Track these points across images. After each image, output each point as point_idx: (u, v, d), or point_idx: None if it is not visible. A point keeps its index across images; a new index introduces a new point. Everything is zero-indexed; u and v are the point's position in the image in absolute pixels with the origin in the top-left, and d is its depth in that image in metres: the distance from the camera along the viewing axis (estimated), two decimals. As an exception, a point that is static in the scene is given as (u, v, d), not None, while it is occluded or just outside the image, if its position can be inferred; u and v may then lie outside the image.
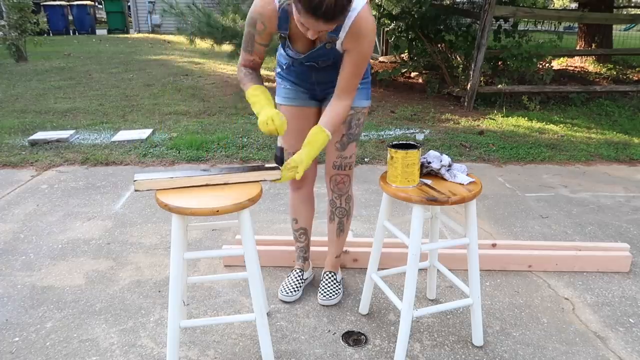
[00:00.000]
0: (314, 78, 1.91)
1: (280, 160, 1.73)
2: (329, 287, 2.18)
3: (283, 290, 2.18)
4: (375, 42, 10.17)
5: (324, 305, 2.14)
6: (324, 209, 3.16)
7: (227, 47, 6.97)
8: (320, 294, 2.16)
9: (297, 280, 2.21)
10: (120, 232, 2.78)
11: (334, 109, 1.77)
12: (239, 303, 2.14)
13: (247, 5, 6.75)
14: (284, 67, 1.95)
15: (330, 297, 2.14)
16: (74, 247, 2.61)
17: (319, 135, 1.72)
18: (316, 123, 1.97)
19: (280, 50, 1.94)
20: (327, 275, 2.23)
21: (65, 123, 4.96)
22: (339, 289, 2.20)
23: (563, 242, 2.62)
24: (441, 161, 1.79)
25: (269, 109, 1.68)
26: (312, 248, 2.36)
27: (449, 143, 4.44)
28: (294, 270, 2.26)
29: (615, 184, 3.63)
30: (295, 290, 2.17)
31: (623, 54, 8.62)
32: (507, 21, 6.89)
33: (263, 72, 1.98)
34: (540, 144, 4.49)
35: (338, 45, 1.72)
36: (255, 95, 1.74)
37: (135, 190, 1.53)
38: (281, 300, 2.16)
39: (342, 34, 1.68)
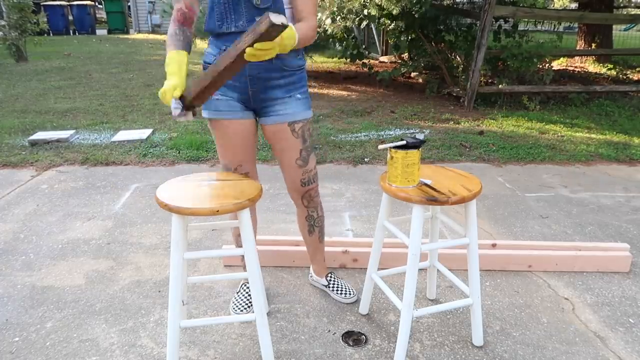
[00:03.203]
0: (247, 72, 1.74)
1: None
2: (341, 285, 2.19)
3: (236, 308, 2.07)
4: (375, 42, 10.17)
5: (349, 303, 2.14)
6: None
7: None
8: (341, 294, 2.15)
9: (249, 296, 2.11)
10: (120, 232, 2.78)
11: (303, 25, 1.66)
12: (239, 303, 2.14)
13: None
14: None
15: (351, 293, 2.16)
16: (74, 247, 2.61)
17: (289, 30, 1.53)
18: (255, 137, 1.91)
19: (209, 49, 1.81)
20: (330, 277, 2.22)
21: (65, 123, 4.96)
22: (347, 284, 2.22)
23: (563, 242, 2.62)
24: None
25: (172, 78, 1.58)
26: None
27: (449, 143, 4.44)
28: (244, 285, 2.16)
29: (615, 184, 3.63)
30: (249, 306, 2.07)
31: (623, 54, 8.63)
32: (507, 21, 6.89)
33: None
34: (540, 144, 4.49)
35: None
36: (169, 61, 1.61)
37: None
38: None
39: None
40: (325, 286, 2.21)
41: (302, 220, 2.10)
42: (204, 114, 1.87)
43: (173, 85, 1.56)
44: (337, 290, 2.17)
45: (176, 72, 1.59)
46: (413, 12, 6.32)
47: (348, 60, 7.40)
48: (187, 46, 1.68)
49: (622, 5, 11.75)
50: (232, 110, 1.82)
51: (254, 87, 1.79)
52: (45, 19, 10.14)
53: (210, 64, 1.80)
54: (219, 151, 1.93)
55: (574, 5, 13.77)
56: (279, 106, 1.83)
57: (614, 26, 9.18)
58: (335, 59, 9.41)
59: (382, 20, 6.65)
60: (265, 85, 1.79)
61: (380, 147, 1.72)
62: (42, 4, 14.33)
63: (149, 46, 11.58)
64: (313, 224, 2.09)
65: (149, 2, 14.88)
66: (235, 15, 1.71)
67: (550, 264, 2.42)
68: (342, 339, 1.93)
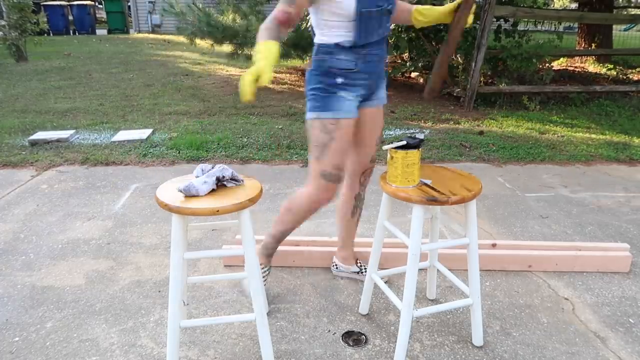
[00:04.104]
0: (383, 45, 1.86)
1: None
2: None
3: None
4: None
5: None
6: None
7: (227, 47, 6.98)
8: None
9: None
10: (120, 232, 2.78)
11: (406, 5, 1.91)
12: (239, 303, 2.14)
13: (247, 5, 6.74)
14: (352, 69, 1.83)
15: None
16: (74, 247, 2.61)
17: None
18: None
19: (342, 56, 1.80)
20: (359, 263, 2.29)
21: (65, 123, 4.96)
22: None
23: (563, 242, 2.62)
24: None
25: (258, 64, 1.54)
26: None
27: (449, 143, 4.44)
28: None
29: (615, 184, 3.63)
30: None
31: (623, 54, 8.62)
32: (507, 21, 6.89)
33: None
34: (540, 144, 4.49)
35: None
36: (258, 49, 1.59)
37: None
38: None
39: None
40: (358, 272, 2.26)
41: (349, 201, 2.16)
42: (330, 114, 1.84)
43: (255, 70, 1.51)
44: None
45: (262, 59, 1.55)
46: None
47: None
48: (279, 40, 1.65)
49: (622, 5, 11.75)
50: (355, 109, 1.91)
51: (380, 75, 1.95)
52: (45, 19, 10.13)
53: (347, 69, 1.81)
54: (333, 154, 1.88)
55: (574, 5, 13.77)
56: (380, 91, 2.01)
57: (614, 26, 9.18)
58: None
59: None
60: (382, 71, 1.95)
61: (385, 147, 1.72)
62: (42, 4, 14.32)
63: (149, 46, 11.57)
64: (358, 205, 2.17)
65: (149, 2, 14.86)
66: (378, 24, 1.81)
67: (550, 264, 2.42)
68: (342, 339, 1.93)
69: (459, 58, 6.61)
